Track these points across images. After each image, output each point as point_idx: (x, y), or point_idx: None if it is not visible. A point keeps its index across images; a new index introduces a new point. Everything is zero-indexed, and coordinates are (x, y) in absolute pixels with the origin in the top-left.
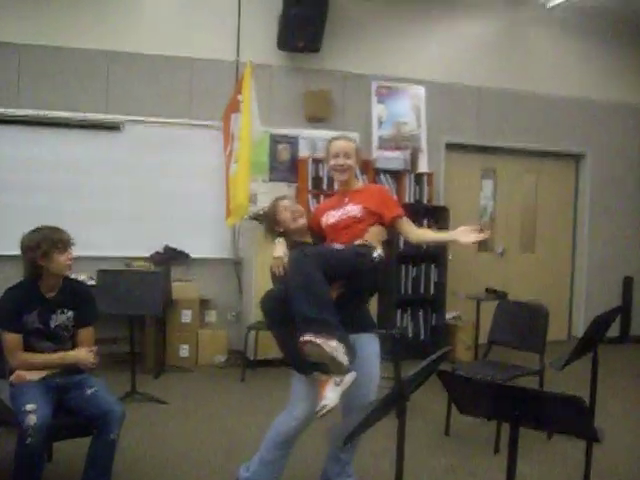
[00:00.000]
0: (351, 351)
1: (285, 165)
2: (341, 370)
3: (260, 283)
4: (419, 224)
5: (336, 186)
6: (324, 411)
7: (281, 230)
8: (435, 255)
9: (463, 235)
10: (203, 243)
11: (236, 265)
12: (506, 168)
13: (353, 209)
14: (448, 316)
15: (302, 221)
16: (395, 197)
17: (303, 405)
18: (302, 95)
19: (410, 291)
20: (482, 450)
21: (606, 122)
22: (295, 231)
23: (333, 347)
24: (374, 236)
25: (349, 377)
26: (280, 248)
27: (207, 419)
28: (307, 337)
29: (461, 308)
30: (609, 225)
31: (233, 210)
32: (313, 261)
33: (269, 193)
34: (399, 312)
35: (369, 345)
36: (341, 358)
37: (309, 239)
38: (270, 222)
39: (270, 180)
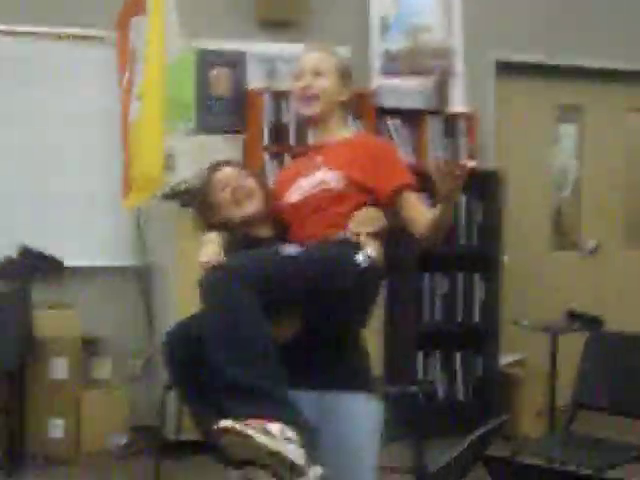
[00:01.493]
0: (311, 438)
1: (224, 104)
2: (295, 473)
3: (184, 307)
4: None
5: (309, 138)
6: None
7: (218, 220)
8: (480, 257)
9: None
10: (86, 241)
11: (142, 277)
12: (600, 105)
13: (328, 177)
14: (504, 360)
15: (253, 205)
16: (403, 159)
17: None
18: None
19: (439, 318)
20: None
21: None
22: (243, 222)
23: (274, 436)
24: (363, 224)
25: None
26: (210, 249)
27: None
28: (224, 424)
29: (526, 346)
30: None
31: (136, 183)
32: (243, 280)
33: (197, 153)
34: (421, 354)
35: (358, 412)
36: (292, 454)
37: (267, 232)
38: (200, 207)
39: (199, 131)
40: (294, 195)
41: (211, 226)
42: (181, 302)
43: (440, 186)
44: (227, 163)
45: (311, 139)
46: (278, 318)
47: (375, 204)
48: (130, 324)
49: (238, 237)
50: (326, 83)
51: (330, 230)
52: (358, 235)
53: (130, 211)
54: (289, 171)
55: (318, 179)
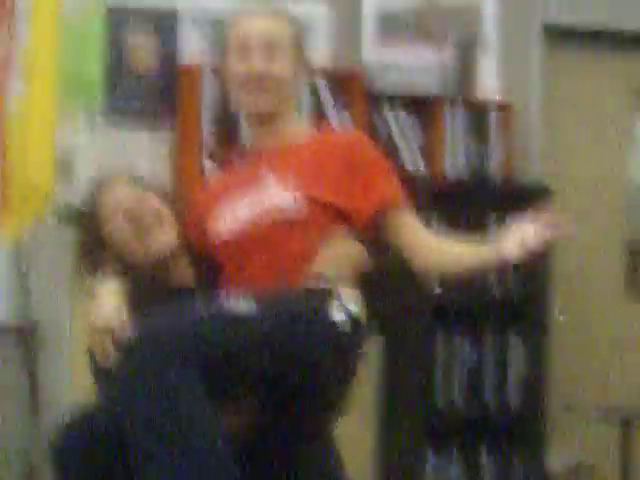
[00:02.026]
0: None
1: (145, 84)
2: None
3: (83, 383)
4: (462, 232)
5: (253, 138)
6: None
7: (112, 259)
8: (518, 309)
9: (515, 240)
10: None
11: (24, 341)
12: None
13: (280, 197)
14: (553, 462)
15: (163, 238)
16: (386, 162)
17: None
18: None
19: (459, 399)
20: None
21: None
22: (149, 263)
23: None
24: (336, 265)
25: None
26: (107, 306)
27: None
28: None
29: (585, 441)
30: None
31: (16, 199)
32: (179, 356)
33: (105, 154)
34: (432, 453)
35: None
36: None
37: (186, 277)
38: (86, 240)
39: (108, 122)
40: (227, 223)
41: (102, 268)
42: (79, 376)
43: (518, 254)
44: (118, 179)
45: (249, 138)
46: (226, 406)
47: (352, 232)
48: (5, 408)
49: (144, 285)
50: (284, 66)
51: (288, 276)
52: (330, 281)
53: (6, 242)
54: (214, 186)
55: (265, 201)
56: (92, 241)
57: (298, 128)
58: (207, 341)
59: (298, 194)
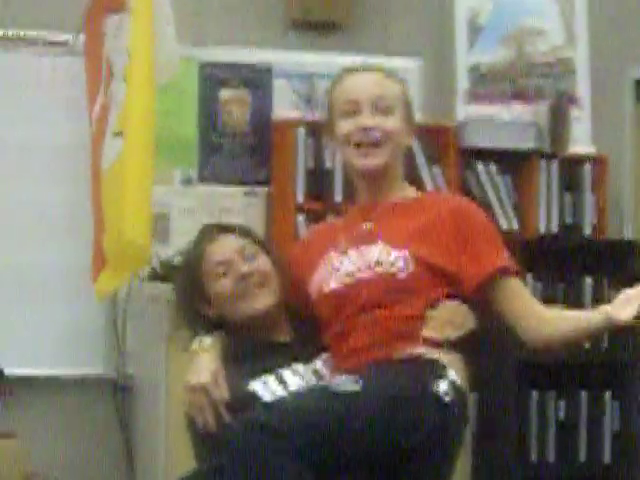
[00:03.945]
0: None
1: (240, 141)
2: None
3: (180, 442)
4: (553, 300)
5: (358, 193)
6: None
7: (212, 315)
8: (612, 367)
9: (623, 305)
10: (37, 341)
11: (118, 395)
12: None
13: (388, 256)
14: None
15: (266, 298)
16: (496, 230)
17: None
18: None
19: (552, 458)
20: None
21: None
22: (250, 320)
23: None
24: (444, 329)
25: None
26: (204, 366)
27: None
28: None
29: None
30: None
31: (112, 257)
32: (288, 447)
33: (201, 212)
34: None
35: None
36: None
37: (284, 333)
38: (185, 296)
39: (203, 180)
40: (331, 279)
41: (201, 323)
42: (173, 433)
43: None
44: (226, 229)
45: (357, 193)
46: None
47: (458, 297)
48: (98, 463)
49: (243, 341)
50: (395, 122)
51: (393, 339)
52: (437, 348)
53: (101, 299)
54: (316, 239)
55: (371, 259)
56: (192, 293)
57: (405, 185)
58: (315, 430)
59: (407, 253)
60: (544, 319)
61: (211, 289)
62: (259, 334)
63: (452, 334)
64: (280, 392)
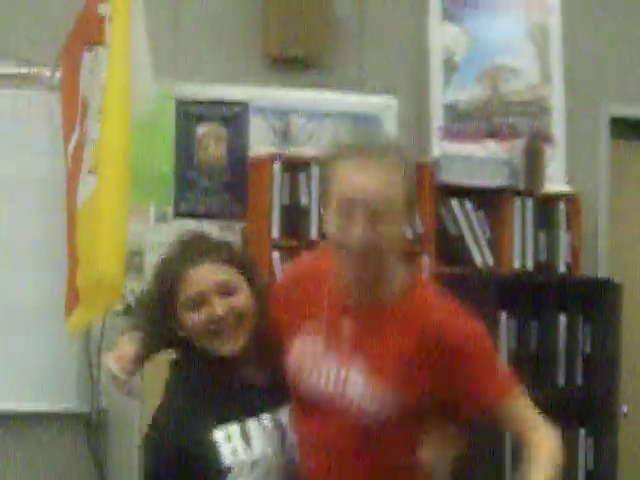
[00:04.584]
0: None
1: (216, 177)
2: None
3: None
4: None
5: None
6: None
7: (181, 333)
8: (585, 405)
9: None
10: (9, 377)
11: (91, 430)
12: None
13: (363, 391)
14: None
15: (242, 338)
16: (495, 352)
17: None
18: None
19: None
20: None
21: None
22: (221, 357)
23: None
24: (443, 452)
25: None
26: (124, 349)
27: None
28: None
29: None
30: None
31: (86, 293)
32: None
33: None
34: None
35: None
36: None
37: (259, 376)
38: (153, 316)
39: (179, 215)
40: (310, 378)
41: (167, 337)
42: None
43: None
44: (211, 252)
45: (342, 278)
46: None
47: (451, 419)
48: None
49: (210, 378)
50: (394, 230)
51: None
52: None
53: (72, 335)
54: (297, 293)
55: (351, 396)
56: (164, 307)
57: (397, 267)
58: None
59: (388, 393)
60: (527, 442)
61: (183, 315)
62: (228, 366)
63: (446, 455)
64: (241, 452)
